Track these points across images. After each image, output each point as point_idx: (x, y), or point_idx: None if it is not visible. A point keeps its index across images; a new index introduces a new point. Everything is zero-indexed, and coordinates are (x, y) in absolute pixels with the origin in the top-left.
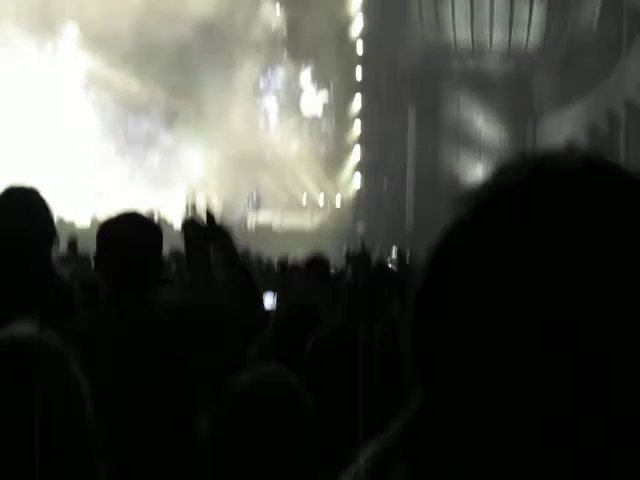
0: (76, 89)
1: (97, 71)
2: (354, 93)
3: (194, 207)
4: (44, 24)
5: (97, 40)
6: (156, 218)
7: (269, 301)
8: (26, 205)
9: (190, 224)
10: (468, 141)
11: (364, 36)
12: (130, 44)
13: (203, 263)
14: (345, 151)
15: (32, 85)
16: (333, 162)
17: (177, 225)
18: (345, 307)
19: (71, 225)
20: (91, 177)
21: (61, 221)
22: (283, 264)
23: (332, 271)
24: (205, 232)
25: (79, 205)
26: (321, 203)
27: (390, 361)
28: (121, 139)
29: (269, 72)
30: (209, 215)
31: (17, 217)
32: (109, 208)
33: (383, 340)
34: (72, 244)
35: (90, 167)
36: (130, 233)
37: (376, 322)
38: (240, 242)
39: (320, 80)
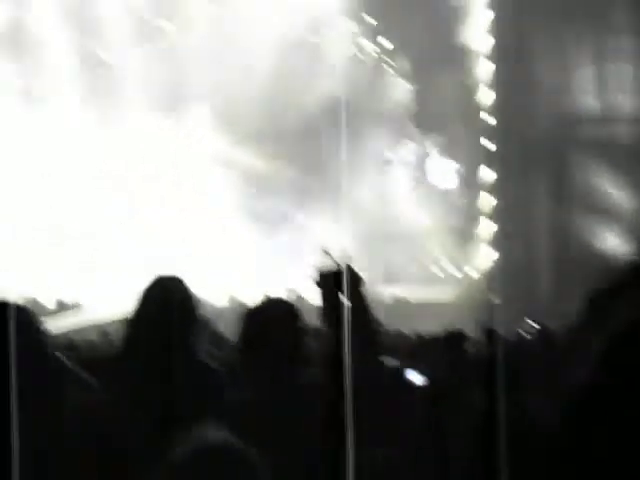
0: (205, 168)
1: (225, 150)
2: (484, 163)
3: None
4: (174, 102)
5: (225, 119)
6: (290, 296)
7: (414, 377)
8: (175, 297)
9: (324, 274)
10: (599, 208)
11: (492, 105)
12: (258, 123)
13: (333, 311)
14: (477, 222)
15: (160, 163)
16: (465, 233)
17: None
18: (483, 382)
19: (207, 305)
20: (224, 257)
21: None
22: (420, 337)
23: (468, 344)
24: (336, 280)
25: (213, 284)
26: (454, 275)
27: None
28: (251, 218)
29: (398, 145)
30: (339, 267)
31: (168, 311)
32: (244, 288)
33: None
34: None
35: (222, 247)
36: (276, 321)
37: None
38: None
39: (449, 151)
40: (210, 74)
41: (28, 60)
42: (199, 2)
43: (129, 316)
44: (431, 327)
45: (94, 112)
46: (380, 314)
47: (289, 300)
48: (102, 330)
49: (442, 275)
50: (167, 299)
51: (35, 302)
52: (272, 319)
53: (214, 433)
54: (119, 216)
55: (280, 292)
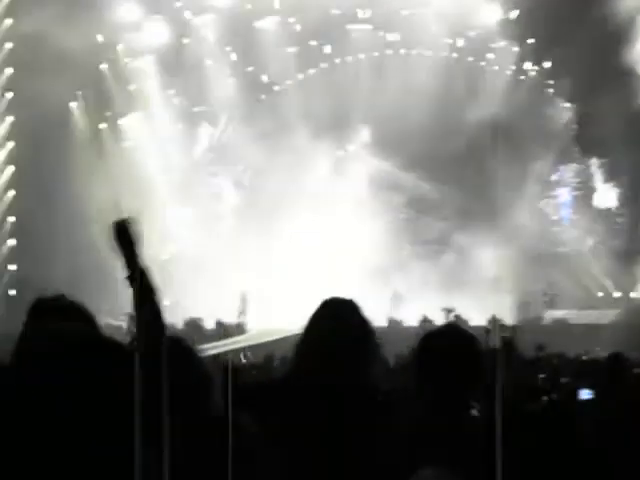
0: (366, 191)
1: (388, 173)
2: None
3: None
4: (336, 126)
5: (387, 142)
6: (449, 317)
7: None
8: (348, 320)
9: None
10: None
11: None
12: (419, 146)
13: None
14: None
15: (321, 185)
16: (629, 256)
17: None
18: None
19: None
20: (384, 280)
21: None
22: (582, 360)
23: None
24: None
25: (374, 308)
26: (617, 297)
27: None
28: (414, 241)
29: (560, 167)
30: None
31: (341, 334)
32: (406, 311)
33: None
34: None
35: (383, 270)
36: (453, 348)
37: None
38: (536, 339)
39: (612, 172)
40: (371, 98)
41: (190, 82)
42: (360, 27)
43: (300, 338)
44: (594, 350)
45: (253, 134)
46: (541, 337)
47: (462, 328)
48: (267, 353)
49: (604, 298)
50: (340, 322)
51: (195, 323)
52: (453, 344)
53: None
54: (281, 238)
55: (439, 313)
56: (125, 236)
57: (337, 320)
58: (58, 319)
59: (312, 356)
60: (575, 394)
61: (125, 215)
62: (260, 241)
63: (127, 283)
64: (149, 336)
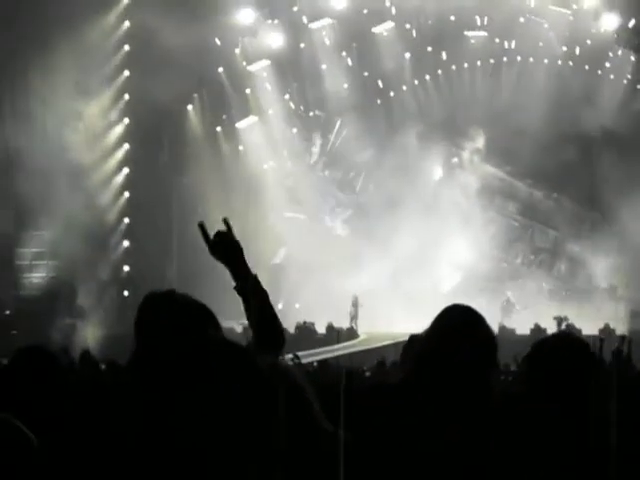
0: (479, 197)
1: (501, 180)
2: None
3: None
4: (451, 132)
5: (501, 149)
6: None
7: None
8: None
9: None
10: None
11: None
12: (534, 156)
13: None
14: None
15: (433, 192)
16: None
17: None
18: None
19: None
20: (496, 287)
21: None
22: None
23: None
24: None
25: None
26: None
27: None
28: (527, 249)
29: None
30: None
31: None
32: (518, 320)
33: None
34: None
35: (495, 277)
36: (564, 353)
37: None
38: None
39: None
40: (486, 105)
41: (305, 86)
42: (476, 34)
43: (422, 341)
44: None
45: (367, 139)
46: None
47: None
48: (379, 358)
49: None
50: (462, 326)
51: (306, 328)
52: (565, 353)
53: None
54: (392, 243)
55: (551, 322)
56: (224, 249)
57: (465, 327)
58: (171, 314)
59: (435, 361)
60: None
61: (226, 225)
62: (370, 246)
63: (238, 293)
64: (268, 340)
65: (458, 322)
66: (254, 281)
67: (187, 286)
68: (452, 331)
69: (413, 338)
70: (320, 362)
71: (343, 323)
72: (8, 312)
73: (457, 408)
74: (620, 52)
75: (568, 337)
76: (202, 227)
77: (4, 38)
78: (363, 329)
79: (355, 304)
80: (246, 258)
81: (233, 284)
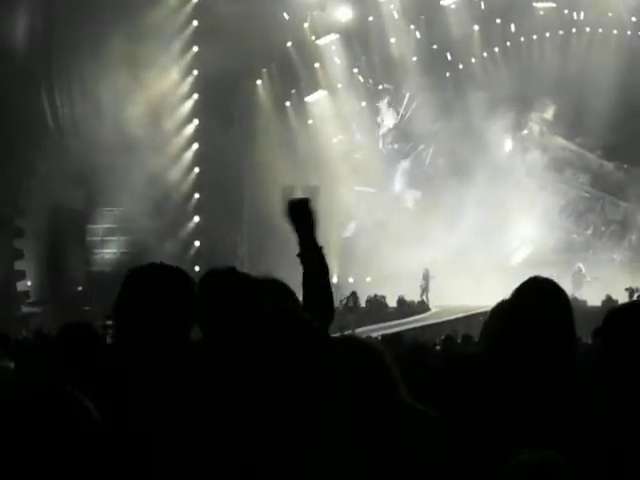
0: (547, 170)
1: (572, 151)
2: None
3: None
4: (520, 104)
5: (571, 121)
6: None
7: None
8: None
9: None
10: None
11: None
12: (605, 126)
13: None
14: None
15: (503, 164)
16: None
17: None
18: None
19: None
20: (567, 258)
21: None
22: None
23: None
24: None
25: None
26: None
27: None
28: (598, 221)
29: None
30: None
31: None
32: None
33: None
34: None
35: (567, 248)
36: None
37: None
38: None
39: None
40: (555, 77)
41: (374, 60)
42: (545, 5)
43: (502, 312)
44: None
45: (436, 112)
46: None
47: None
48: (449, 332)
49: None
50: (544, 296)
51: (377, 301)
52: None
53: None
54: (461, 217)
55: (623, 293)
56: (299, 215)
57: (547, 297)
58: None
59: (518, 331)
60: None
61: (303, 194)
62: (440, 219)
63: (300, 261)
64: (319, 315)
65: (540, 292)
66: (318, 252)
67: (257, 262)
68: (534, 301)
69: (495, 311)
70: (393, 335)
71: (414, 296)
72: (80, 288)
73: (540, 379)
74: None
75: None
76: (288, 191)
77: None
78: (434, 302)
79: (426, 277)
80: (318, 231)
81: (297, 253)
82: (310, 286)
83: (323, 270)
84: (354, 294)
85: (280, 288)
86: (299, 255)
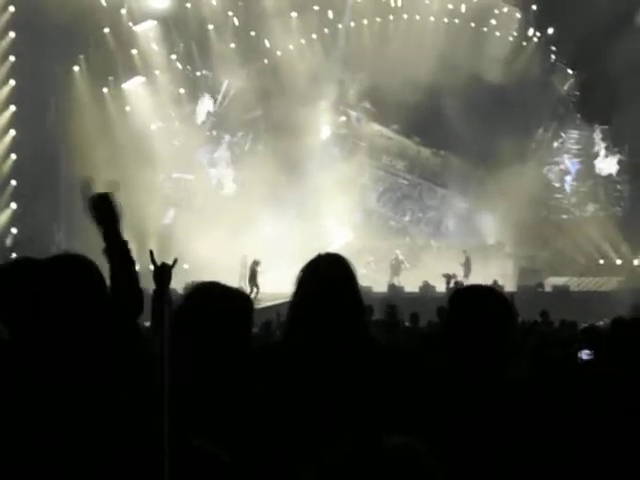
0: (364, 157)
1: (389, 138)
2: None
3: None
4: (338, 90)
5: (388, 109)
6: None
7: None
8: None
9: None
10: None
11: None
12: (422, 113)
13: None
14: None
15: (320, 153)
16: (630, 223)
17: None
18: None
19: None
20: (385, 247)
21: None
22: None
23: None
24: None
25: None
26: (618, 264)
27: None
28: (415, 207)
29: (562, 134)
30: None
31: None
32: (406, 276)
33: None
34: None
35: (384, 236)
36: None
37: None
38: (537, 305)
39: (615, 140)
40: (373, 63)
41: (192, 47)
42: None
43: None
44: (595, 316)
45: (255, 99)
46: (542, 303)
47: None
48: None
49: (605, 265)
50: (329, 275)
51: None
52: (479, 302)
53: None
54: (281, 203)
55: (439, 280)
56: (102, 210)
57: (326, 270)
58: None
59: (304, 314)
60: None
61: (103, 189)
62: (261, 206)
63: (106, 257)
64: (126, 306)
65: (321, 268)
66: (123, 247)
67: (76, 249)
68: (315, 277)
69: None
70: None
71: (233, 284)
72: None
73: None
74: (506, 9)
75: (489, 290)
76: (86, 186)
77: None
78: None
79: (244, 264)
80: (136, 219)
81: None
82: (117, 281)
83: (129, 265)
84: None
85: (81, 263)
86: (104, 251)
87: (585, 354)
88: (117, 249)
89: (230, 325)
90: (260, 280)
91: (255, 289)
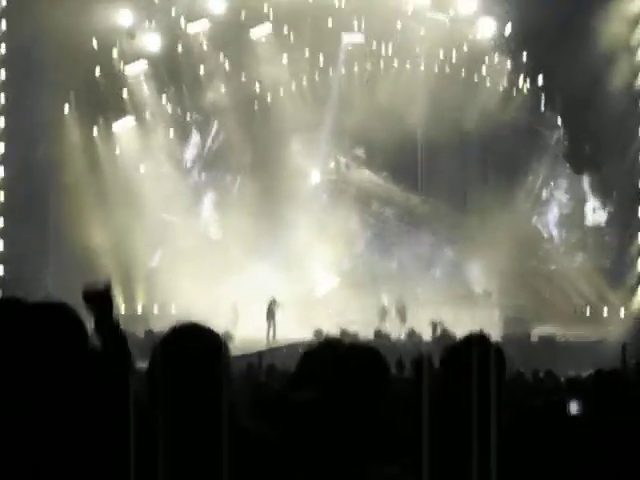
0: (353, 202)
1: (378, 185)
2: (638, 202)
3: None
4: (329, 137)
5: (377, 156)
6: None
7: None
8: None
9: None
10: None
11: None
12: (411, 161)
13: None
14: (630, 262)
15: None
16: (617, 273)
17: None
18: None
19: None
20: (373, 293)
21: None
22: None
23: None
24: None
25: (364, 320)
26: (603, 314)
27: None
28: (403, 253)
29: (551, 183)
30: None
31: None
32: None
33: None
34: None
35: (372, 281)
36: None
37: None
38: (522, 357)
39: (603, 190)
40: (363, 111)
41: (183, 89)
42: (353, 38)
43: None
44: (580, 366)
45: (242, 141)
46: (528, 353)
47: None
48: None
49: (592, 315)
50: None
51: None
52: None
53: None
54: (268, 248)
55: (426, 325)
56: (95, 301)
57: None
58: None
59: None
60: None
61: (97, 279)
62: (247, 250)
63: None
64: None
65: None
66: (115, 328)
67: (63, 285)
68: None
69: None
70: None
71: (220, 329)
72: None
73: None
74: (497, 58)
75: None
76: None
77: None
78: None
79: (235, 310)
80: (123, 261)
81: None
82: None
83: (121, 346)
84: None
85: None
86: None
87: (570, 405)
88: (110, 342)
89: (201, 367)
90: (247, 326)
91: (272, 328)
